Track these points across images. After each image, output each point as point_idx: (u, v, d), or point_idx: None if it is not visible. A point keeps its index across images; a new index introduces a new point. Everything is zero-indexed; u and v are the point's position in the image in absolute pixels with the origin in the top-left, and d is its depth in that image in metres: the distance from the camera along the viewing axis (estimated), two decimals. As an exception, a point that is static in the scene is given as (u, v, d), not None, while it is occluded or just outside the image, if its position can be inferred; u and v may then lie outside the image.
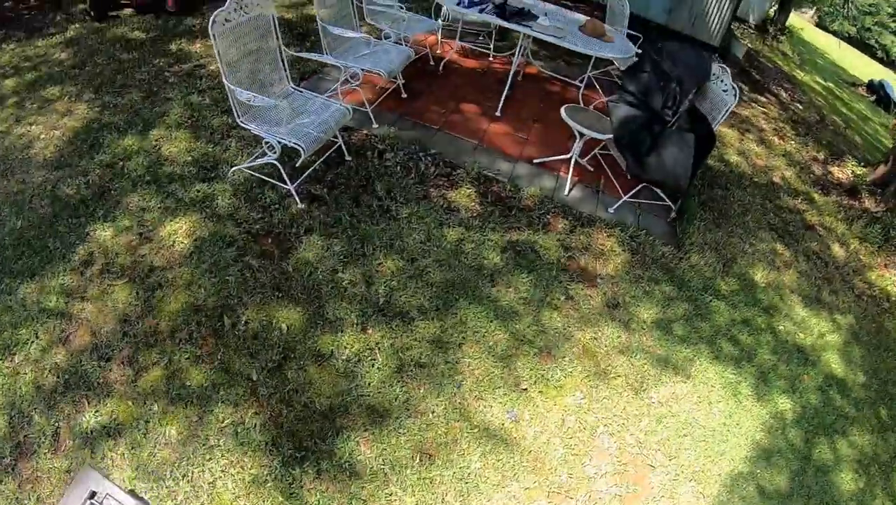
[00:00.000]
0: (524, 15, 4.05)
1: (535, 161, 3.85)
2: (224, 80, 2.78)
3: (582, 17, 4.40)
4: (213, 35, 2.65)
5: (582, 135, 3.48)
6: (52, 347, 2.35)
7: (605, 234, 3.44)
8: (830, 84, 10.44)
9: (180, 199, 3.07)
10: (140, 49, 4.49)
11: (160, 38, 4.70)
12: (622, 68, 4.58)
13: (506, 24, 3.85)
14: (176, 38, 4.70)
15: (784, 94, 7.46)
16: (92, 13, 4.88)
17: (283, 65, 3.21)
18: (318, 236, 2.95)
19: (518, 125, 4.27)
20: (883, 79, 11.89)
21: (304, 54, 3.30)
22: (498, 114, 4.31)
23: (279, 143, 2.85)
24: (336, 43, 3.69)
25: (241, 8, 2.80)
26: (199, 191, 3.13)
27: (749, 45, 8.79)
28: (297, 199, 3.09)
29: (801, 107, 7.37)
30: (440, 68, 4.83)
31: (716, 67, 3.53)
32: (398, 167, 3.48)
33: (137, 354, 2.36)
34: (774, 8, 10.88)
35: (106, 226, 2.88)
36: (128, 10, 5.10)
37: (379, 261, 2.90)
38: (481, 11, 3.96)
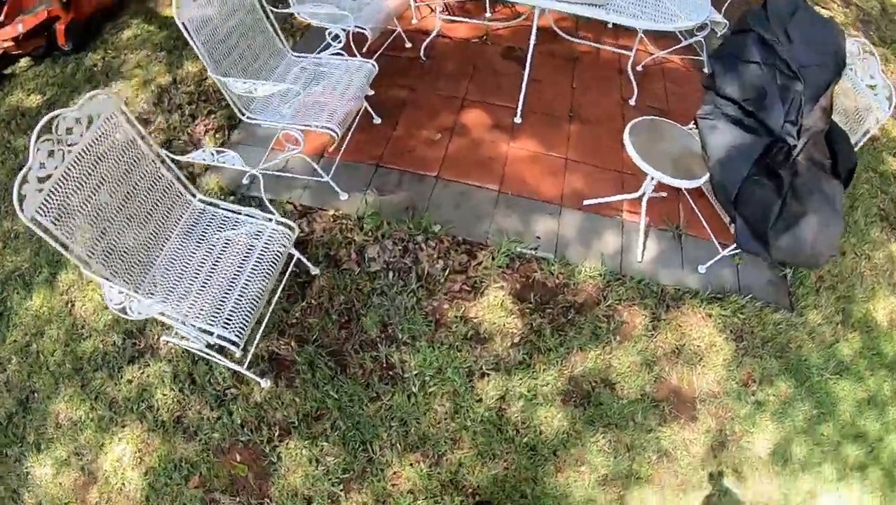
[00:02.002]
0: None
1: (585, 204, 2.47)
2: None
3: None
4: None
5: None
6: None
7: (699, 317, 2.19)
8: None
9: (113, 401, 2.05)
10: (37, 120, 3.18)
11: (59, 95, 3.33)
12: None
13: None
14: (76, 90, 3.31)
15: None
16: (-18, 78, 3.52)
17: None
18: (301, 441, 1.89)
19: (548, 134, 2.77)
20: None
21: (186, 157, 1.89)
22: (518, 119, 2.81)
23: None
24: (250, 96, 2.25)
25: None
26: (130, 381, 2.08)
27: None
28: (256, 378, 1.99)
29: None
30: (422, 54, 3.20)
31: (852, 44, 1.91)
32: (390, 273, 2.22)
33: None
34: None
35: (42, 459, 1.98)
36: (23, 62, 3.67)
37: (392, 468, 1.84)
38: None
